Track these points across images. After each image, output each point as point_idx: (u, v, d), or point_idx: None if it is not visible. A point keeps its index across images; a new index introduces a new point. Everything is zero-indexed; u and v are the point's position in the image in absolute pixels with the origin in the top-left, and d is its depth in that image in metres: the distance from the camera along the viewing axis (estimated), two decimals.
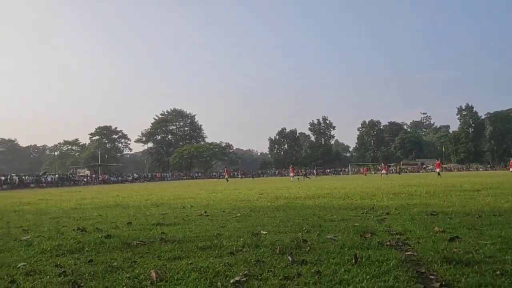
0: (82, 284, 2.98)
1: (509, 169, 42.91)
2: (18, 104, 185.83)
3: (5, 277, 3.25)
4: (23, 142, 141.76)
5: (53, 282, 3.05)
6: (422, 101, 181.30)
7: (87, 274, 3.27)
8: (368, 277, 2.94)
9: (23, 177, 56.31)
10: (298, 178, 41.65)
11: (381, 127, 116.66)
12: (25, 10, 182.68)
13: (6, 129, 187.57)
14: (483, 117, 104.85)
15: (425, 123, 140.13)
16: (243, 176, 72.53)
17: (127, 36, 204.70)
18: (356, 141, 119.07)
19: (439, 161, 43.79)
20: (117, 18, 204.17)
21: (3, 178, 52.87)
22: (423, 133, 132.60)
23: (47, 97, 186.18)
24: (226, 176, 47.86)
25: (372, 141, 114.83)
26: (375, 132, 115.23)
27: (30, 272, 3.38)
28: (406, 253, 3.72)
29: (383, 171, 56.62)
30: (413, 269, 3.17)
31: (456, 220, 5.83)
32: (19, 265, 3.65)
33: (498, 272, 2.97)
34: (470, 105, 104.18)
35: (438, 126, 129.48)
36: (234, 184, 30.87)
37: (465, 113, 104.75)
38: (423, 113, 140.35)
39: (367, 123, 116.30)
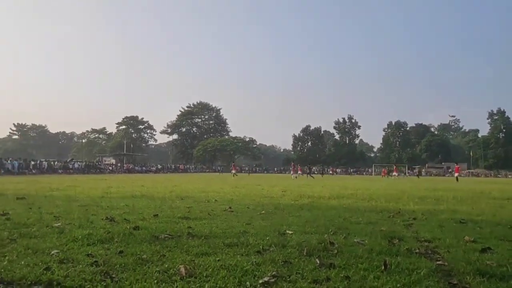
0: (113, 275, 3.04)
1: None
2: (50, 91, 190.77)
3: (40, 263, 3.34)
4: (53, 129, 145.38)
5: (85, 271, 3.12)
6: (451, 103, 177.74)
7: (118, 265, 3.33)
8: (398, 285, 2.91)
9: (52, 163, 57.84)
10: (296, 177, 39.68)
11: (408, 128, 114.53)
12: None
13: (37, 115, 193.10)
14: None
15: (453, 126, 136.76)
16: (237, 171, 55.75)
17: (156, 30, 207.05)
18: (381, 141, 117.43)
19: (458, 166, 42.92)
20: (145, 12, 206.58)
21: (32, 163, 54.45)
22: (451, 136, 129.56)
23: (78, 85, 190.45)
24: (233, 171, 46.44)
25: (398, 142, 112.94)
26: (401, 133, 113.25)
27: (63, 260, 3.47)
28: (437, 262, 3.65)
29: (394, 173, 55.64)
30: (445, 279, 3.11)
31: (486, 230, 5.68)
32: (52, 252, 3.75)
33: None
34: (502, 110, 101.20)
35: (467, 130, 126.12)
36: (250, 179, 30.91)
37: (496, 117, 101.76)
38: (452, 116, 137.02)
39: (393, 123, 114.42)
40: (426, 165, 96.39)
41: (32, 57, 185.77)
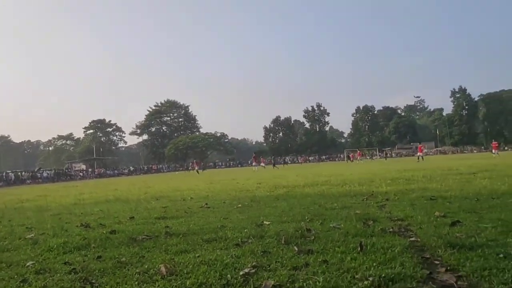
0: (93, 281, 3.02)
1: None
2: (10, 99, 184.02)
3: (15, 276, 3.27)
4: (16, 138, 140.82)
5: (64, 280, 3.08)
6: (415, 85, 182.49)
7: (97, 271, 3.30)
8: (375, 264, 3.00)
9: (19, 174, 56.09)
10: (256, 169, 38.25)
11: (375, 112, 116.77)
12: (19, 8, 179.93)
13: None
14: (476, 99, 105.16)
15: (418, 107, 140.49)
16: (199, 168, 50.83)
17: (117, 29, 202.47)
18: (351, 126, 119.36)
19: (421, 145, 42.93)
20: (108, 12, 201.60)
21: None
22: (417, 116, 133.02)
23: (40, 92, 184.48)
24: (196, 168, 45.64)
25: (367, 126, 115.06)
26: (369, 117, 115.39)
27: (40, 271, 3.41)
28: (410, 239, 3.78)
29: (358, 157, 56.74)
30: (418, 255, 3.24)
31: (455, 205, 5.90)
32: (28, 264, 3.67)
33: (501, 255, 3.04)
34: (463, 87, 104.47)
35: (432, 110, 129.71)
36: (224, 175, 30.92)
37: (458, 95, 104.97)
38: (417, 97, 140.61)
39: (361, 108, 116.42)
40: (396, 146, 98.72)
41: None
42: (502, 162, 20.53)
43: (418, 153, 39.07)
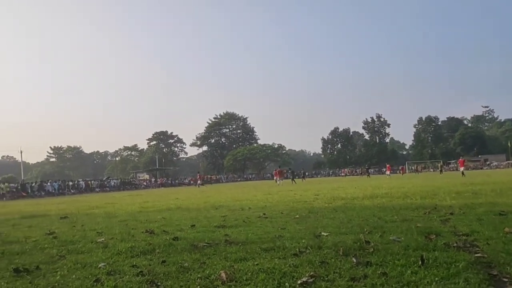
0: (159, 284, 3.20)
1: None
2: (81, 112, 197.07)
3: (89, 276, 3.55)
4: (87, 149, 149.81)
5: (132, 281, 3.30)
6: (483, 94, 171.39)
7: (162, 274, 3.49)
8: (436, 279, 2.92)
9: (89, 182, 59.69)
10: (280, 183, 35.04)
11: (439, 123, 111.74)
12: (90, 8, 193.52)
13: (73, 137, 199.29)
14: None
15: (487, 117, 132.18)
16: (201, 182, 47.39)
17: (176, 42, 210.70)
18: (413, 138, 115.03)
19: (463, 159, 38.98)
20: (171, 25, 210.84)
21: (71, 183, 56.39)
22: (486, 127, 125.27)
23: (107, 105, 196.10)
24: (198, 182, 43.87)
25: (430, 138, 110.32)
26: (432, 129, 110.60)
27: (110, 272, 3.66)
28: (475, 255, 3.63)
29: (387, 172, 52.33)
30: (484, 271, 3.10)
31: None
32: (100, 265, 3.96)
33: None
34: None
35: (502, 120, 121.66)
36: (284, 186, 30.89)
37: None
38: (485, 107, 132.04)
39: (423, 119, 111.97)
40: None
41: (61, 80, 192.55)
42: None
43: (461, 168, 36.05)
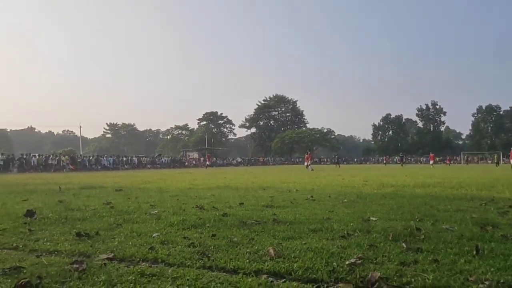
0: (209, 255, 3.31)
1: None
2: (136, 92, 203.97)
3: (145, 244, 3.74)
4: (140, 127, 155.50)
5: (184, 251, 3.44)
6: None
7: (212, 247, 3.61)
8: (492, 269, 2.82)
9: (141, 159, 62.14)
10: (312, 168, 33.48)
11: (501, 112, 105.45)
12: None
13: (126, 115, 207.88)
14: None
15: None
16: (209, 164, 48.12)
17: (230, 27, 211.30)
18: (470, 127, 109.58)
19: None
20: (225, 11, 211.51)
21: (124, 158, 59.03)
22: None
23: (160, 84, 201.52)
24: (207, 163, 43.37)
25: (490, 128, 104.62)
26: (493, 118, 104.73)
27: (164, 242, 3.84)
28: None
29: (431, 161, 48.67)
30: None
31: None
32: (154, 235, 4.16)
33: None
34: None
35: None
36: (336, 171, 30.54)
37: None
38: None
39: (483, 108, 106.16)
40: None
41: (119, 61, 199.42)
42: None
43: (431, 161, 33.29)
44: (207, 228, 4.56)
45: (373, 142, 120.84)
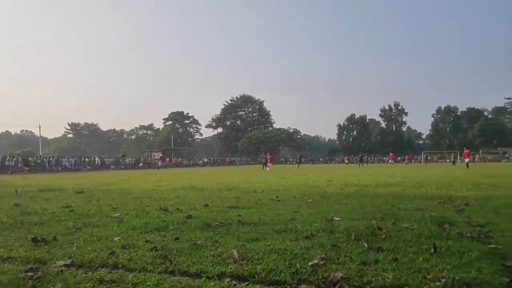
0: (172, 259, 3.25)
1: None
2: (99, 91, 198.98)
3: (105, 249, 3.63)
4: (104, 127, 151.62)
5: (146, 256, 3.36)
6: (505, 85, 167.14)
7: (175, 250, 3.55)
8: (448, 267, 2.91)
9: (105, 159, 60.60)
10: (269, 169, 33.43)
11: (459, 113, 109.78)
12: None
13: (89, 114, 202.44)
14: None
15: (509, 109, 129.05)
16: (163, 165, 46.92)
17: (196, 24, 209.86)
18: (430, 128, 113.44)
19: (467, 150, 36.36)
20: (190, 11, 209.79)
21: (87, 159, 57.35)
22: (507, 119, 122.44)
23: (125, 84, 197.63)
24: (159, 164, 41.36)
25: (448, 128, 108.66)
26: (451, 119, 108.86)
27: (125, 246, 3.74)
28: (489, 245, 3.60)
29: (391, 161, 52.17)
30: (498, 262, 3.08)
31: None
32: (115, 239, 4.04)
33: None
34: None
35: None
36: (301, 171, 30.88)
37: None
38: (508, 98, 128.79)
39: (442, 109, 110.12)
40: (480, 150, 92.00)
41: (81, 59, 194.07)
42: None
43: (466, 159, 34.76)
44: (170, 231, 4.49)
45: (338, 142, 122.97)
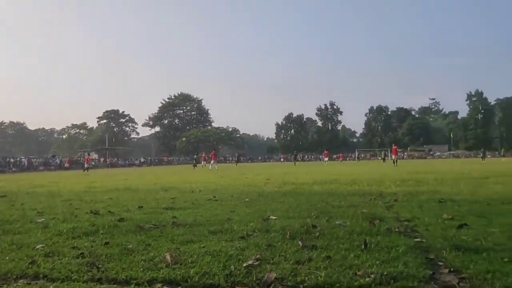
0: (99, 266, 3.07)
1: None
2: (27, 88, 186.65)
3: (25, 258, 3.35)
4: (32, 126, 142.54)
5: (71, 263, 3.15)
6: (431, 87, 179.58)
7: (104, 256, 3.36)
8: (377, 262, 3.00)
9: (32, 160, 56.92)
10: (216, 167, 34.23)
11: (389, 112, 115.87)
12: None
13: (15, 113, 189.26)
14: (493, 103, 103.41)
15: (433, 109, 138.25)
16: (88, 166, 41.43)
17: (131, 21, 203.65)
18: (364, 126, 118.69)
19: (395, 146, 37.97)
20: (126, 6, 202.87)
21: (12, 160, 53.54)
22: (431, 119, 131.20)
23: (55, 81, 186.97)
24: (86, 165, 39.75)
25: (380, 127, 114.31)
26: (382, 118, 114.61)
27: (49, 254, 3.48)
28: (415, 240, 3.78)
29: (326, 158, 53.13)
30: (422, 255, 3.23)
31: (464, 208, 5.86)
32: (37, 247, 3.75)
33: (506, 259, 3.02)
34: (480, 91, 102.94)
35: (446, 112, 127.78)
36: (240, 169, 31.01)
37: (474, 99, 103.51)
38: (432, 99, 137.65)
39: (374, 108, 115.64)
40: (408, 148, 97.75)
41: (5, 53, 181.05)
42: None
43: (393, 156, 36.09)
44: (100, 236, 4.26)
45: (276, 141, 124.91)
